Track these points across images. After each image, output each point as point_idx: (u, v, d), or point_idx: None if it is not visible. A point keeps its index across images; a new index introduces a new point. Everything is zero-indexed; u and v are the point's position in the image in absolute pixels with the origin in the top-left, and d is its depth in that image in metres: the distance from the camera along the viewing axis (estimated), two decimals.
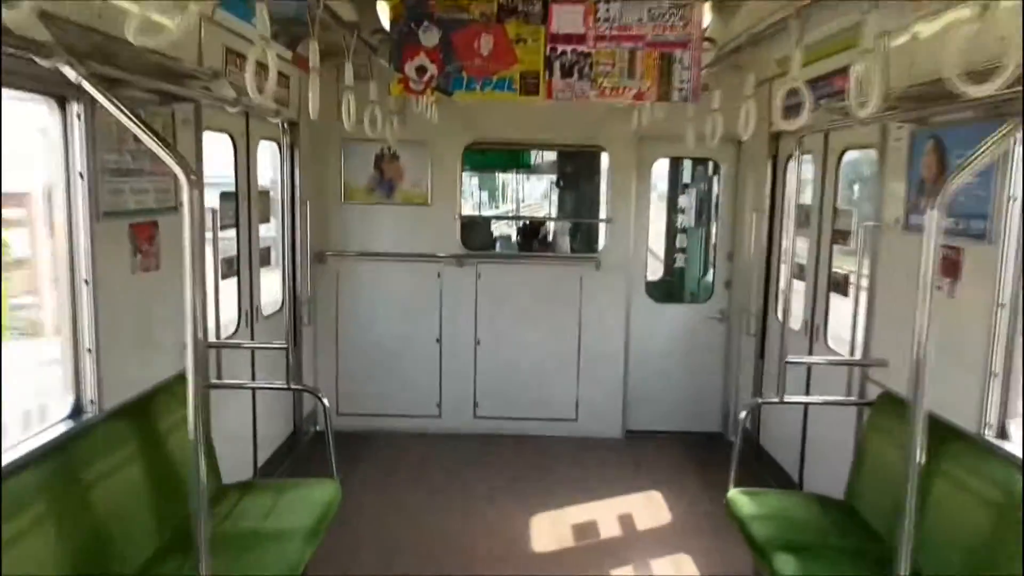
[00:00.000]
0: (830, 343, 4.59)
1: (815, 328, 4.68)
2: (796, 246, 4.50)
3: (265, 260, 5.14)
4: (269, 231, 5.35)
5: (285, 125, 5.35)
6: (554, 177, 8.98)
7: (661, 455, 5.90)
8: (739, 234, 6.05)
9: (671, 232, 7.37)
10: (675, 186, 7.33)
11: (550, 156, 9.00)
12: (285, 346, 4.54)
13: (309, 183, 5.56)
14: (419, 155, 5.94)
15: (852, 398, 3.96)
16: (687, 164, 7.17)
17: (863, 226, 3.92)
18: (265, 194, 5.17)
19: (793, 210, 4.24)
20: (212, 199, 4.30)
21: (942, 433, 2.94)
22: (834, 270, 4.53)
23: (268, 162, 5.39)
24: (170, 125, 3.53)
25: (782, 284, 5.28)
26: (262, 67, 2.62)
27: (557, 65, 3.73)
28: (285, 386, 4.43)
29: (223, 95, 3.51)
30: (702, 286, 6.88)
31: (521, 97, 3.76)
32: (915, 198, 3.54)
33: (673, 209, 7.30)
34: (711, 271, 6.56)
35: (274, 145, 5.40)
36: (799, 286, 4.93)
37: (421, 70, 3.80)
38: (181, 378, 3.38)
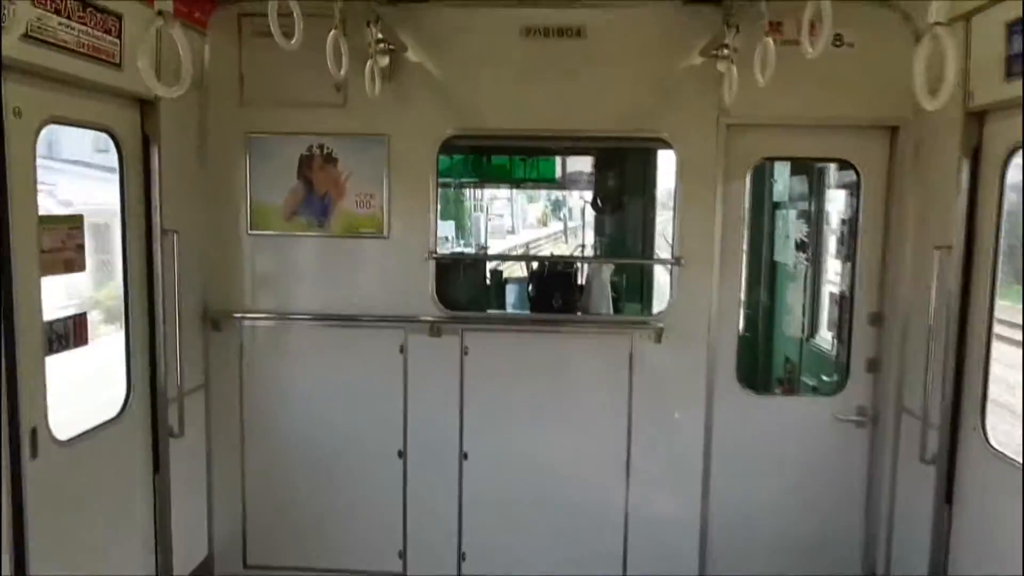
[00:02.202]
0: None
1: None
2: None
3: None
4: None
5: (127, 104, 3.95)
6: (588, 194, 7.86)
7: None
8: (893, 283, 4.57)
9: (753, 273, 6.12)
10: (760, 202, 6.15)
11: (580, 162, 7.82)
12: None
13: (181, 201, 4.30)
14: (370, 157, 4.60)
15: None
16: (780, 170, 6.10)
17: None
18: (72, 219, 3.54)
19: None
20: None
21: None
22: None
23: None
24: None
25: (994, 373, 3.76)
26: None
27: None
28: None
29: None
30: (812, 363, 5.70)
31: None
32: None
33: (757, 237, 6.14)
34: (834, 342, 5.23)
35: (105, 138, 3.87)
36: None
37: None
38: None
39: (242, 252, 4.60)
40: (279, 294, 4.65)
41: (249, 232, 4.58)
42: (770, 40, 3.20)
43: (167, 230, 3.97)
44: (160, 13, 2.53)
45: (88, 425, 3.60)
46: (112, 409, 3.83)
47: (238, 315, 4.60)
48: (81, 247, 3.46)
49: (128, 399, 3.89)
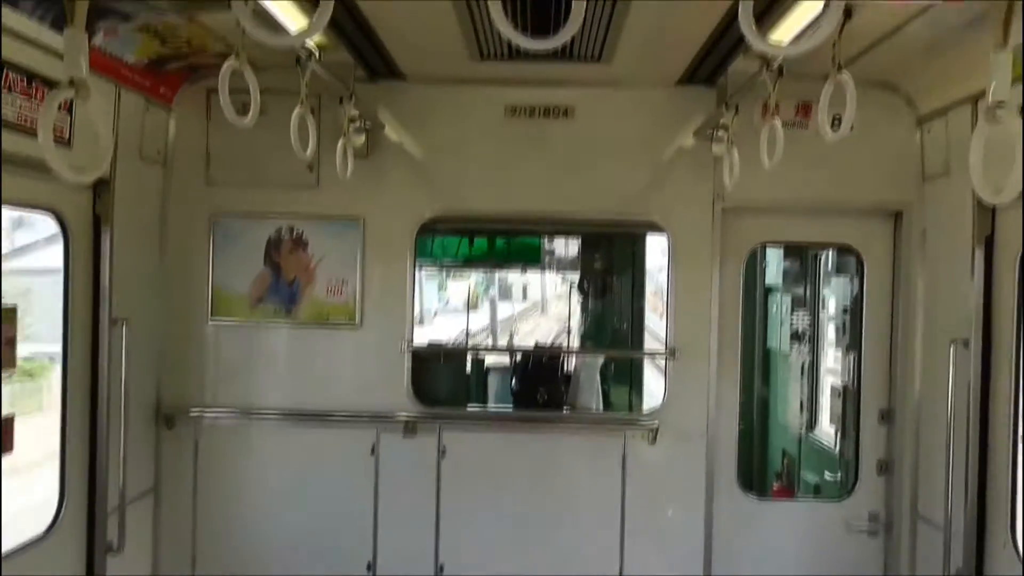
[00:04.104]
0: None
1: None
2: None
3: None
4: None
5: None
6: (575, 278, 7.91)
7: None
8: (902, 378, 4.39)
9: (746, 362, 5.68)
10: (751, 286, 5.96)
11: (569, 245, 7.89)
12: None
13: (135, 287, 4.13)
14: (343, 240, 4.51)
15: None
16: (772, 252, 6.03)
17: None
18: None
19: None
20: None
21: None
22: None
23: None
24: None
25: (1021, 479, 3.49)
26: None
27: None
28: None
29: None
30: (812, 459, 5.55)
31: None
32: None
33: (748, 322, 5.69)
34: (837, 438, 5.02)
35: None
36: None
37: None
38: None
39: (202, 342, 4.38)
40: (240, 388, 4.40)
41: (210, 320, 4.37)
42: (778, 122, 3.04)
43: (116, 318, 3.68)
44: (72, 83, 2.19)
45: (9, 545, 3.14)
46: (41, 523, 3.40)
47: (195, 411, 4.29)
48: (12, 342, 3.09)
49: (60, 511, 3.47)
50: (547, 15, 3.15)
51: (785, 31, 2.79)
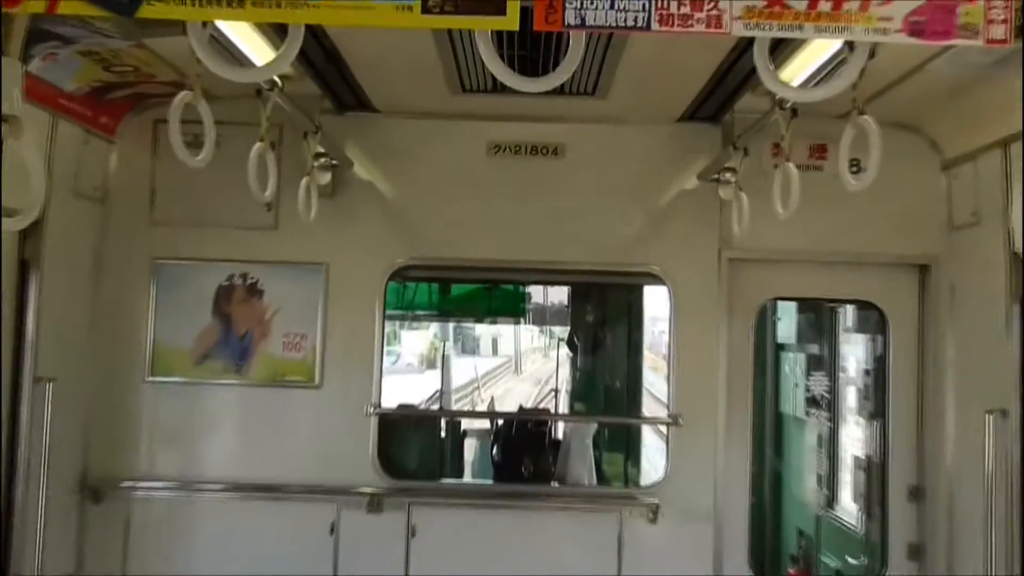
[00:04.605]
0: None
1: None
2: None
3: None
4: None
5: None
6: (564, 332, 8.11)
7: None
8: (933, 450, 4.45)
9: (756, 427, 5.74)
10: (762, 343, 6.01)
11: (556, 293, 8.15)
12: None
13: (64, 342, 4.14)
14: (303, 289, 4.58)
15: None
16: (785, 306, 6.14)
17: None
18: None
19: None
20: None
21: None
22: None
23: None
24: None
25: None
26: None
27: None
28: None
29: None
30: (833, 540, 5.52)
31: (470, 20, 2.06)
32: None
33: (759, 384, 5.91)
34: (861, 517, 5.09)
35: None
36: None
37: None
38: None
39: (138, 404, 4.40)
40: (181, 457, 4.40)
41: (148, 379, 4.40)
42: (791, 166, 3.12)
43: (41, 377, 3.67)
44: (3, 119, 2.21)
45: None
46: None
47: (127, 483, 4.29)
48: None
49: None
50: (536, 47, 3.24)
51: (798, 67, 2.87)
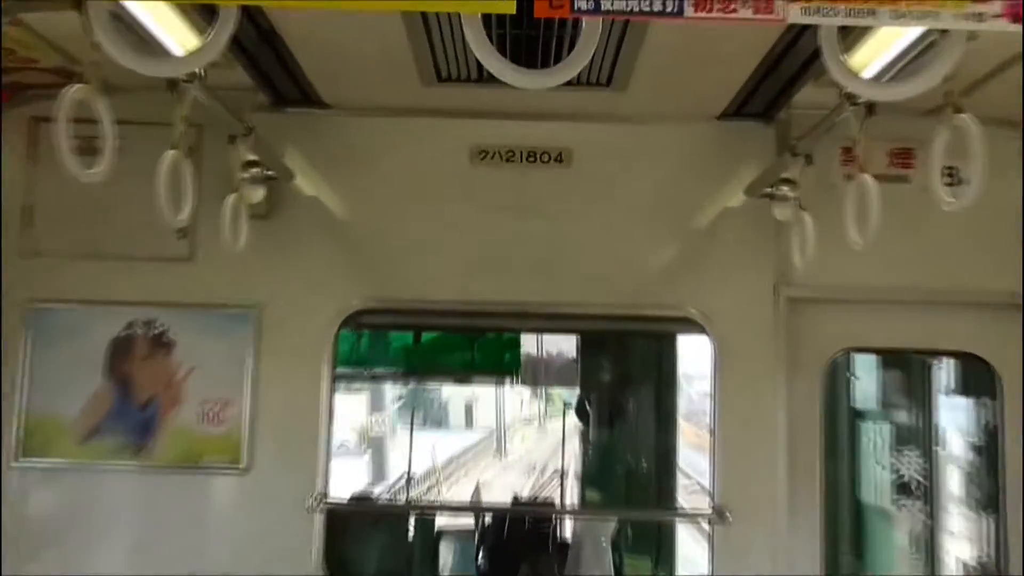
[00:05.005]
0: None
1: None
2: None
3: None
4: None
5: None
6: (572, 396, 8.21)
7: None
8: None
9: (829, 525, 5.83)
10: (833, 409, 5.94)
11: (560, 344, 8.20)
12: None
13: None
14: (227, 340, 4.68)
15: None
16: (864, 361, 6.13)
17: None
18: None
19: None
20: None
21: None
22: None
23: None
24: None
25: None
26: None
27: None
28: None
29: None
30: None
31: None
32: None
33: (831, 464, 5.82)
34: None
35: None
36: None
37: None
38: None
39: (1, 495, 4.40)
40: (60, 562, 4.45)
41: (17, 462, 4.47)
42: (868, 177, 3.20)
43: None
44: None
45: None
46: None
47: None
48: None
49: None
50: (535, 23, 3.35)
51: (872, 52, 2.95)
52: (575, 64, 2.19)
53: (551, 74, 2.24)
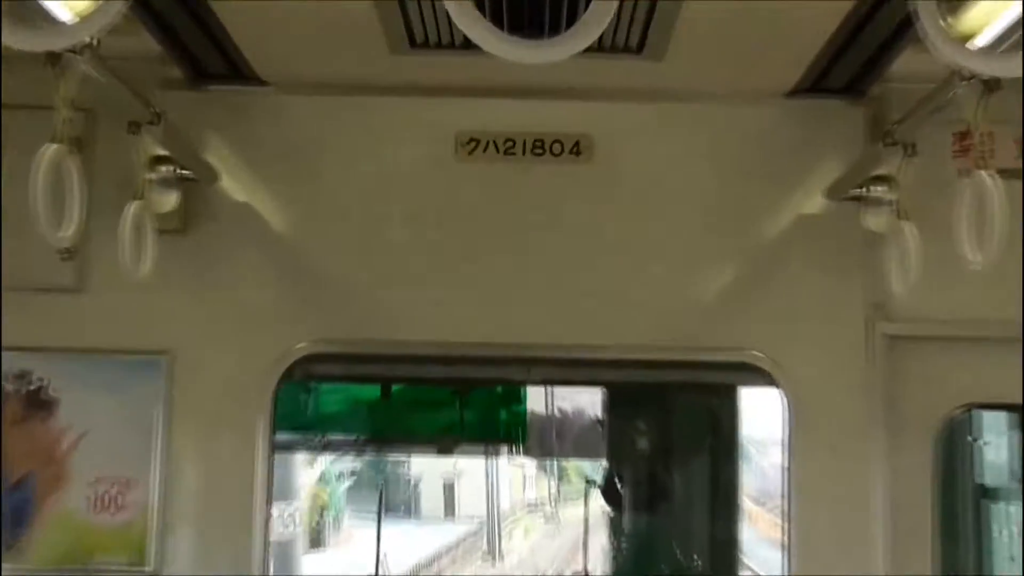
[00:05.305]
0: None
1: None
2: None
3: None
4: None
5: None
6: (597, 474, 8.39)
7: None
8: None
9: None
10: (952, 488, 6.23)
11: (579, 400, 8.20)
12: None
13: None
14: (128, 398, 4.68)
15: None
16: (993, 420, 6.41)
17: None
18: None
19: None
20: None
21: None
22: None
23: None
24: None
25: None
26: None
27: None
28: None
29: None
30: None
31: None
32: None
33: (949, 558, 5.92)
34: None
35: None
36: None
37: None
38: None
39: None
40: None
41: None
42: (987, 175, 3.23)
43: None
44: None
45: None
46: None
47: None
48: None
49: None
50: None
51: (979, 17, 3.00)
52: (592, 27, 2.22)
53: (559, 44, 2.27)
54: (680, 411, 7.24)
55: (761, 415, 5.96)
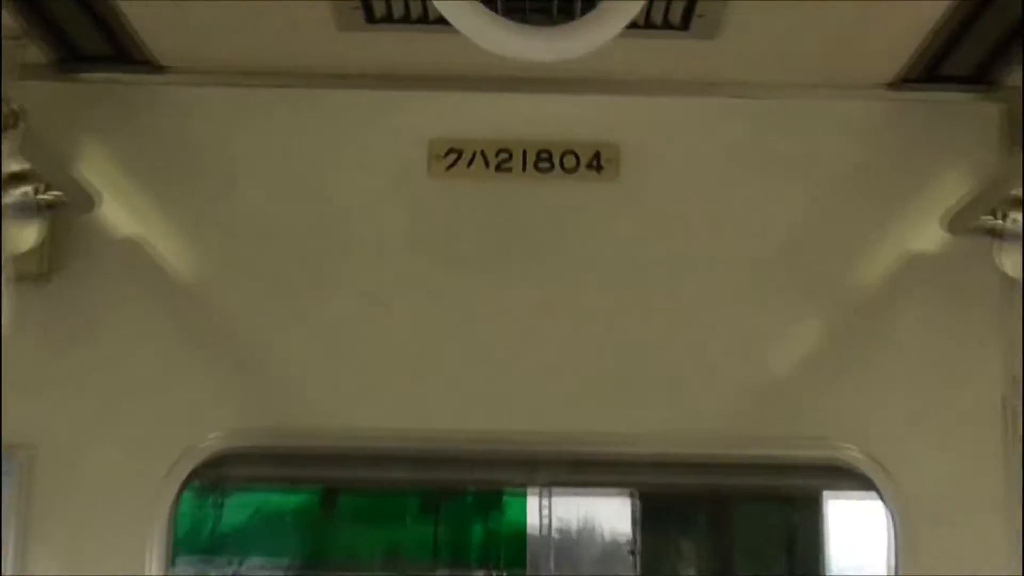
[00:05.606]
0: None
1: None
2: None
3: None
4: None
5: None
6: None
7: None
8: None
9: None
10: None
11: (599, 513, 8.11)
12: None
13: None
14: None
15: None
16: None
17: None
18: None
19: None
20: None
21: None
22: None
23: None
24: None
25: None
26: None
27: None
28: None
29: None
30: None
31: None
32: None
33: None
34: None
35: None
36: None
37: None
38: None
39: None
40: None
41: None
42: None
43: None
44: None
45: None
46: None
47: None
48: None
49: None
50: None
51: None
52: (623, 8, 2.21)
53: (572, 33, 2.26)
54: (742, 530, 7.29)
55: (856, 536, 6.04)
